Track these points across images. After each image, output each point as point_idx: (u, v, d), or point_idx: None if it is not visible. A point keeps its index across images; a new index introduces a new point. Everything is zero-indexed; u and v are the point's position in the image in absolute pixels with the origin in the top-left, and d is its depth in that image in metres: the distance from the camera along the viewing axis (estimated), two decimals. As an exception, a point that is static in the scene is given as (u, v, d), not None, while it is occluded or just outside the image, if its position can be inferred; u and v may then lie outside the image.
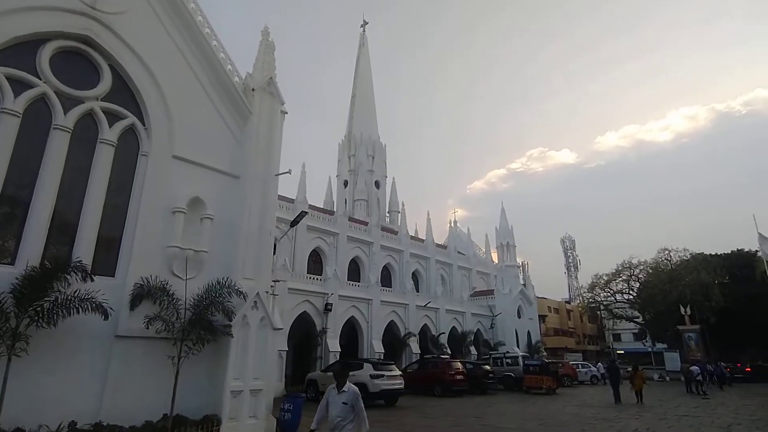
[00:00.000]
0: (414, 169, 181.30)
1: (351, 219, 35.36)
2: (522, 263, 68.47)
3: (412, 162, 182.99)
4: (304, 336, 24.96)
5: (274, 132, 12.86)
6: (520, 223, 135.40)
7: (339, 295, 26.15)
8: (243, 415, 10.14)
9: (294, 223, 12.07)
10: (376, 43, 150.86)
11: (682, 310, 40.55)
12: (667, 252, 48.60)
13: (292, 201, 30.16)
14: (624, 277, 51.30)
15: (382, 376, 17.38)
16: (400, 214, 56.63)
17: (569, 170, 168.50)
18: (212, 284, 10.22)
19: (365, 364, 17.96)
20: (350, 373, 18.02)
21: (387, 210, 55.33)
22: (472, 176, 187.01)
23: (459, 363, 24.02)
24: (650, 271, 49.73)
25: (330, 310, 24.85)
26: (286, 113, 13.93)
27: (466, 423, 13.71)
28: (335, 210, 33.35)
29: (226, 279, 10.37)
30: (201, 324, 9.85)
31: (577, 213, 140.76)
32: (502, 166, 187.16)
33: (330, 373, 18.84)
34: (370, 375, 17.25)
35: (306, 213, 12.07)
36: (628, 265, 50.59)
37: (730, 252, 50.82)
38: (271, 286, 12.16)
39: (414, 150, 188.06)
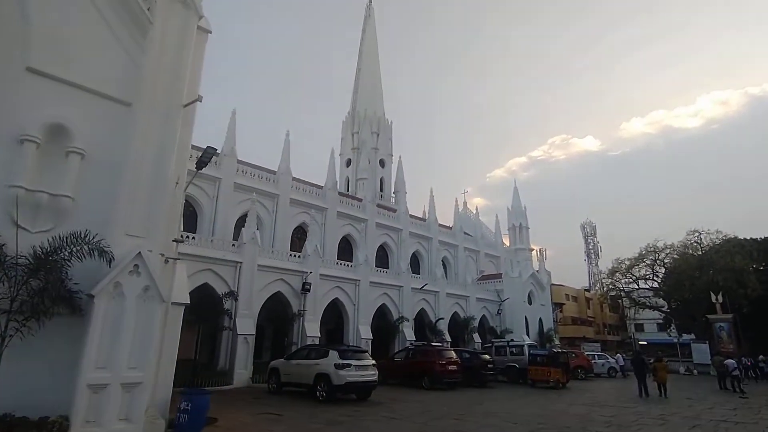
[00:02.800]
0: (432, 156, 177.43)
1: (344, 194, 32.46)
2: (540, 249, 64.58)
3: (430, 149, 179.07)
4: (282, 319, 22.22)
5: (184, 51, 9.92)
6: (541, 212, 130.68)
7: (320, 275, 23.33)
8: (108, 417, 7.40)
9: (200, 164, 9.14)
10: (386, 20, 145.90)
11: (713, 297, 36.73)
12: (697, 234, 44.27)
13: (274, 172, 27.41)
14: (648, 262, 47.12)
15: (349, 366, 14.50)
16: (406, 195, 53.90)
17: (593, 158, 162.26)
18: (64, 238, 7.43)
19: (330, 351, 15.11)
20: (314, 361, 15.31)
21: (393, 191, 52.24)
22: (492, 164, 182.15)
23: (452, 351, 21.04)
24: (677, 256, 45.52)
25: (308, 290, 22.06)
26: (210, 32, 11.01)
27: (437, 426, 10.77)
28: (324, 185, 30.35)
29: (85, 232, 7.56)
30: (50, 292, 7.14)
31: (601, 202, 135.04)
32: (522, 153, 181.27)
33: (296, 361, 16.19)
34: (335, 365, 14.40)
35: (214, 150, 9.15)
36: (652, 249, 46.40)
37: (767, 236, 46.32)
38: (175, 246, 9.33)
39: (432, 137, 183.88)
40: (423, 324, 29.58)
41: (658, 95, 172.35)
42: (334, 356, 14.77)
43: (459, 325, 31.62)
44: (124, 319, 7.77)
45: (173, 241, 9.05)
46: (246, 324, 19.46)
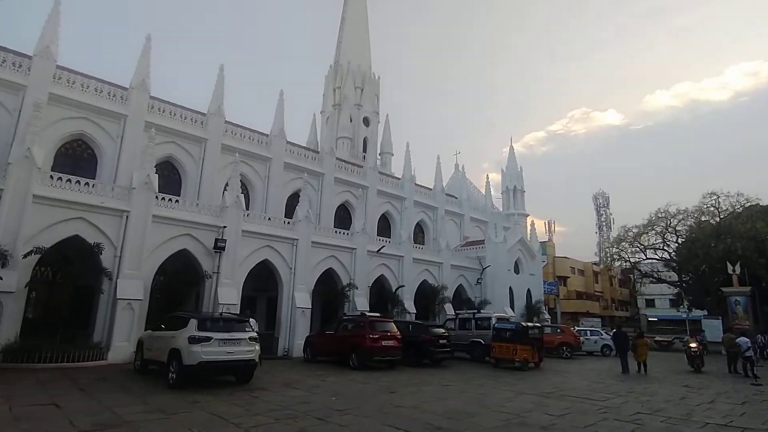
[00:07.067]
0: (448, 130, 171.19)
1: (295, 144, 28.24)
2: (547, 221, 59.94)
3: (447, 124, 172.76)
4: (186, 283, 18.39)
5: None
6: (558, 187, 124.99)
7: (243, 231, 19.44)
8: None
9: None
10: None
11: (730, 268, 32.08)
12: (714, 197, 38.86)
13: (203, 114, 23.30)
14: (658, 230, 42.05)
15: (209, 340, 10.67)
16: (393, 157, 49.52)
17: (614, 132, 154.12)
18: None
19: (190, 320, 11.28)
20: (170, 333, 11.55)
21: (379, 152, 47.86)
22: (509, 139, 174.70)
23: (391, 324, 17.15)
24: (692, 224, 40.34)
25: (222, 248, 18.22)
26: None
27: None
28: (270, 132, 26.12)
29: None
30: None
31: (622, 178, 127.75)
32: (541, 128, 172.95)
33: (161, 333, 12.47)
34: (189, 338, 10.59)
35: None
36: (664, 215, 41.25)
37: (792, 202, 40.81)
38: None
39: (448, 110, 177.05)
40: (383, 293, 25.71)
41: (684, 66, 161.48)
42: (191, 326, 10.96)
43: (428, 296, 27.67)
44: None
45: None
46: (130, 286, 15.72)
